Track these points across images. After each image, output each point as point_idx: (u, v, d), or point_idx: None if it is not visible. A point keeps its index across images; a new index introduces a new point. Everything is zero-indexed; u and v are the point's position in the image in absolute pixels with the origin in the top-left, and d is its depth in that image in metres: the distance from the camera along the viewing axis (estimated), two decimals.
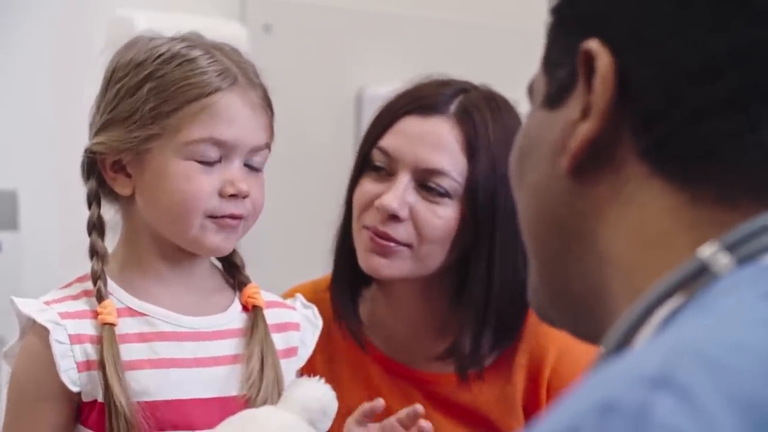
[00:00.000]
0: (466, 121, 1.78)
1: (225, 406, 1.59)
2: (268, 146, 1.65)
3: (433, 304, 1.86)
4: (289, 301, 1.76)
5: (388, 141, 1.79)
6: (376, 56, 3.31)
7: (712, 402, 0.62)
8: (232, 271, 1.71)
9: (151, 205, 1.60)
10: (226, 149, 1.59)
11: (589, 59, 0.79)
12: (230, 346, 1.64)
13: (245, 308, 1.68)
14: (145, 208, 1.61)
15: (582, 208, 0.81)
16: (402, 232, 1.77)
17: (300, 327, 1.73)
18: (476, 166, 1.76)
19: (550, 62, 0.84)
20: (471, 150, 1.77)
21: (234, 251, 1.71)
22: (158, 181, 1.58)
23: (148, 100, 1.57)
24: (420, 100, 1.80)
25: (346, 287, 1.88)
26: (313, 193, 3.18)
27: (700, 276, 0.73)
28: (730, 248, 0.73)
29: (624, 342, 0.73)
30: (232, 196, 1.58)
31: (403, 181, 1.77)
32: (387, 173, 1.79)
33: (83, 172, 1.65)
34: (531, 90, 0.87)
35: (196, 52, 1.60)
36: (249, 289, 1.69)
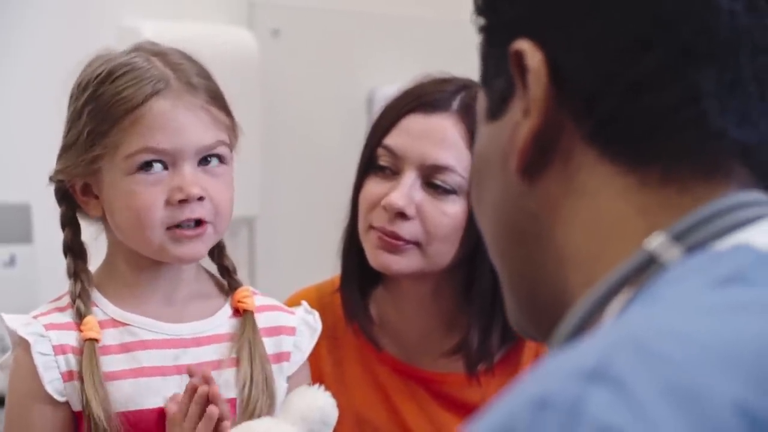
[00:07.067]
0: (469, 117, 1.77)
1: None
2: (224, 144, 1.62)
3: (442, 302, 1.85)
4: (291, 308, 1.74)
5: (393, 139, 1.79)
6: (385, 57, 3.31)
7: (647, 394, 0.61)
8: (223, 275, 1.71)
9: (114, 224, 1.61)
10: (168, 156, 1.57)
11: (520, 59, 0.79)
12: (215, 352, 1.63)
13: (236, 312, 1.67)
14: (112, 226, 1.62)
15: (537, 210, 0.80)
16: (410, 230, 1.76)
17: (296, 331, 1.71)
18: None
19: (487, 78, 0.84)
20: None
21: (224, 255, 1.71)
22: (112, 200, 1.59)
23: (88, 122, 1.58)
24: (422, 97, 1.80)
25: (355, 287, 1.87)
26: (326, 195, 3.18)
27: (648, 267, 0.72)
28: (678, 237, 0.72)
29: (573, 337, 0.71)
30: (183, 201, 1.57)
31: (409, 178, 1.77)
32: (392, 172, 1.79)
33: (56, 198, 1.66)
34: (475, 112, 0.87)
35: (131, 64, 1.59)
36: (239, 293, 1.68)
